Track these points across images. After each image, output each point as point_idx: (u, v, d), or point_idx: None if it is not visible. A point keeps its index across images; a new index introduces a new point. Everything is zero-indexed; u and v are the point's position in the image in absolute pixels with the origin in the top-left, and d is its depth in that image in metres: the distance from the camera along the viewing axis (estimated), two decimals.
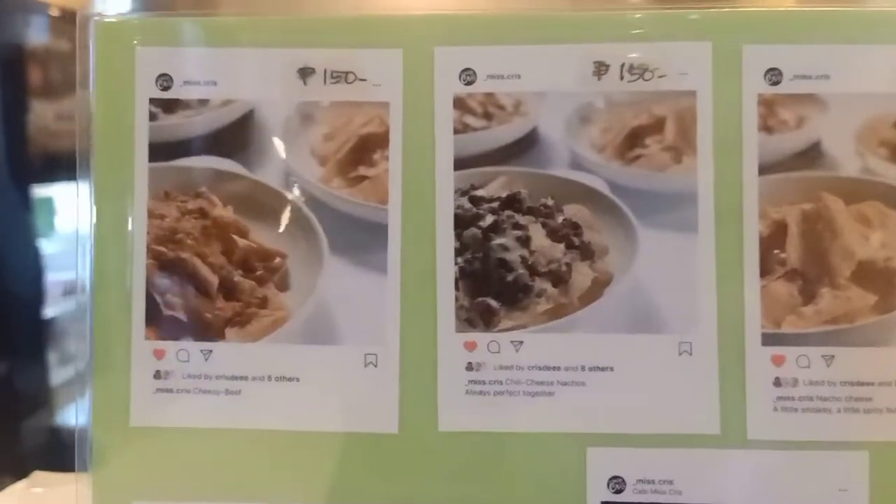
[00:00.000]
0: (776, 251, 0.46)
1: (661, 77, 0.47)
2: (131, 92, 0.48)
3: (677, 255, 0.47)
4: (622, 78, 0.47)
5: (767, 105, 0.47)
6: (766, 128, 0.47)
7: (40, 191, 1.07)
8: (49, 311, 1.05)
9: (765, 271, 0.46)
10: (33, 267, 1.05)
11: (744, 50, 0.47)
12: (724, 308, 0.46)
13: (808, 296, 0.46)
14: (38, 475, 0.60)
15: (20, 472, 0.60)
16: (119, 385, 0.48)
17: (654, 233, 0.47)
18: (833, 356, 0.46)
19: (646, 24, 0.48)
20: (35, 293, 1.05)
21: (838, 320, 0.46)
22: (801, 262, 0.46)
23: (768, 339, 0.46)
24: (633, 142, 0.48)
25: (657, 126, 0.48)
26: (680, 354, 0.46)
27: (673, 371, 0.46)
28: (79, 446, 0.48)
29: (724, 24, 0.47)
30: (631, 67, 0.47)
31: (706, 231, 0.47)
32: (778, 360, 0.46)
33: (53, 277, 1.04)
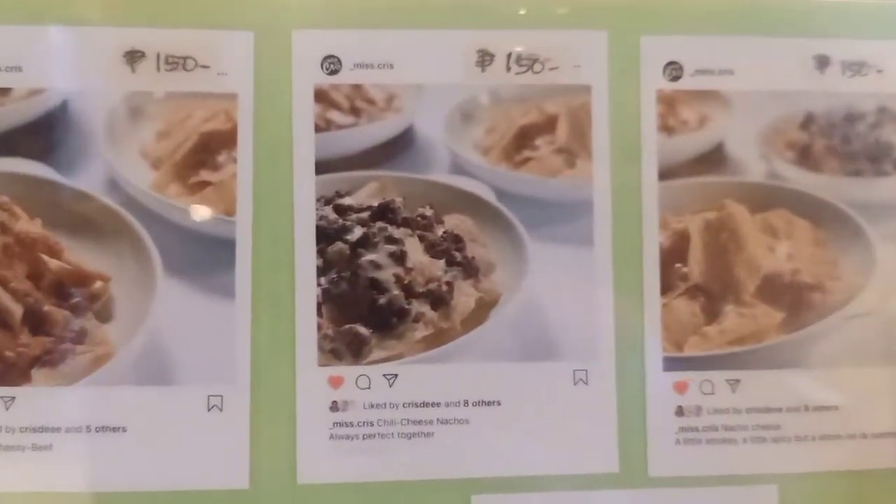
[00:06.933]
0: (678, 265, 0.47)
1: (552, 69, 0.47)
2: None
3: (571, 272, 0.46)
4: (509, 69, 0.47)
5: (667, 103, 0.47)
6: (665, 128, 0.47)
7: None
8: None
9: (666, 288, 0.47)
10: None
11: (642, 41, 0.47)
12: (623, 331, 0.47)
13: (712, 314, 0.47)
14: None
15: None
16: None
17: (546, 246, 0.46)
18: (738, 380, 0.47)
19: (535, 10, 0.47)
20: None
21: (744, 341, 0.47)
22: (703, 277, 0.47)
23: (670, 364, 0.46)
24: (521, 143, 0.47)
25: (548, 125, 0.47)
26: (575, 384, 0.47)
27: (568, 403, 0.46)
28: None
29: (621, 12, 0.47)
30: (518, 58, 0.47)
31: (602, 244, 0.47)
32: (680, 388, 0.46)
33: None
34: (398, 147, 0.48)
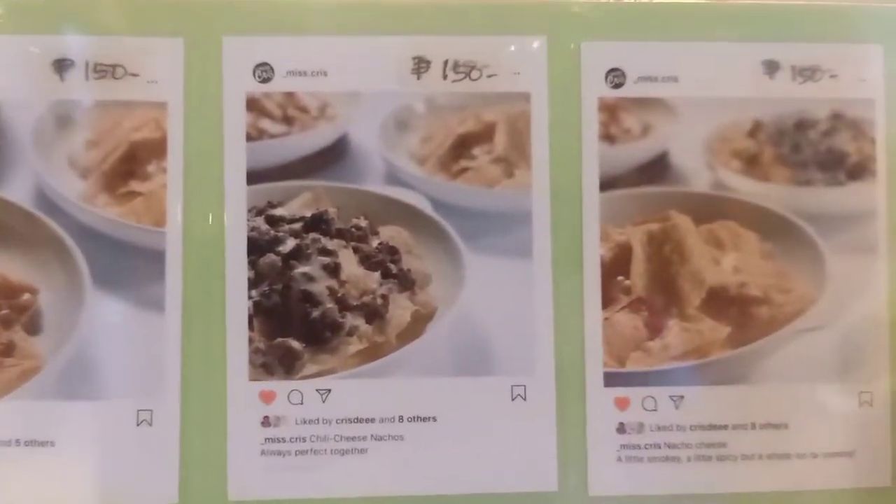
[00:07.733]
0: (620, 278, 0.46)
1: (490, 77, 0.46)
2: None
3: (509, 285, 0.46)
4: (445, 77, 0.46)
5: (609, 111, 0.46)
6: (607, 137, 0.47)
7: None
8: None
9: (607, 301, 0.46)
10: None
11: (582, 47, 0.47)
12: (562, 345, 0.46)
13: (655, 329, 0.46)
14: None
15: None
16: None
17: (484, 258, 0.46)
18: (682, 397, 0.46)
19: (472, 15, 0.47)
20: None
21: (688, 356, 0.46)
22: (646, 291, 0.46)
23: (611, 380, 0.45)
24: (458, 152, 0.47)
25: (486, 134, 0.47)
26: (513, 399, 0.46)
27: (505, 419, 0.46)
28: None
29: (561, 17, 0.47)
30: (455, 65, 0.46)
31: (542, 256, 0.46)
32: (622, 404, 0.45)
33: None
34: (332, 156, 0.48)
